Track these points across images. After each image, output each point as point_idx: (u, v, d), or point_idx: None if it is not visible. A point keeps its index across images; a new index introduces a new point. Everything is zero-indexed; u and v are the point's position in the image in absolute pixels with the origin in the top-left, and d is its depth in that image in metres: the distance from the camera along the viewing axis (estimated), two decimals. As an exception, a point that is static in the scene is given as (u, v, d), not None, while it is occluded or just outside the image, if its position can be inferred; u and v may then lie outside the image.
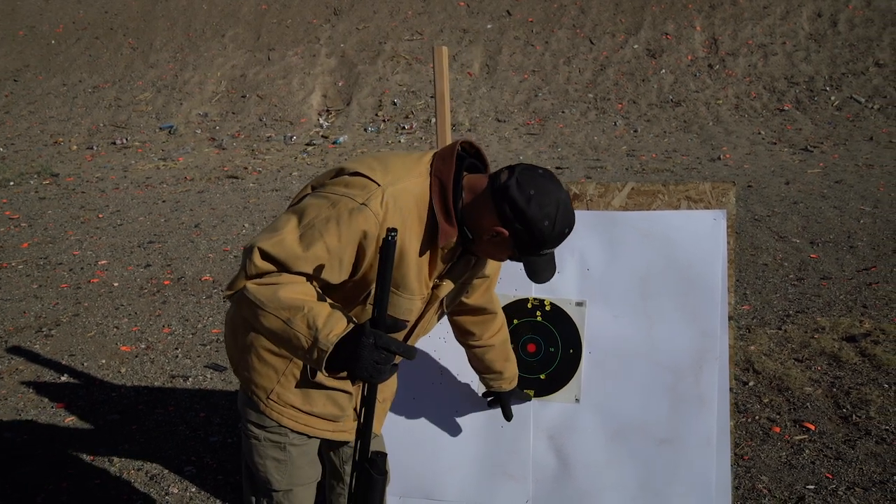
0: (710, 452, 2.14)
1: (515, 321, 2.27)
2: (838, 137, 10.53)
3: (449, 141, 2.36)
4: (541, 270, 1.62)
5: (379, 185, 1.51)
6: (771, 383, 3.43)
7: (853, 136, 10.53)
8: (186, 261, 5.95)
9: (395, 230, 1.38)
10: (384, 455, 1.53)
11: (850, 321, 4.10)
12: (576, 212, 2.27)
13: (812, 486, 2.63)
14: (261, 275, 1.49)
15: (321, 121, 12.29)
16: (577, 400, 2.23)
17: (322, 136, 11.73)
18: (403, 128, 11.77)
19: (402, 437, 2.29)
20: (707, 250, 2.17)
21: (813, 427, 3.04)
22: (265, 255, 1.49)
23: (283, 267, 1.49)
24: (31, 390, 3.70)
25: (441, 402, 2.32)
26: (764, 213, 6.86)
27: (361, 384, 1.58)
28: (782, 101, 11.91)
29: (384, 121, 12.05)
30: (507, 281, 2.29)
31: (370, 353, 1.40)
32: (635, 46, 13.20)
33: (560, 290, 2.27)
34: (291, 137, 11.68)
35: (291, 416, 1.70)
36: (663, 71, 12.66)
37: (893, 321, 4.11)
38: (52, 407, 3.52)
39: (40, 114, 13.16)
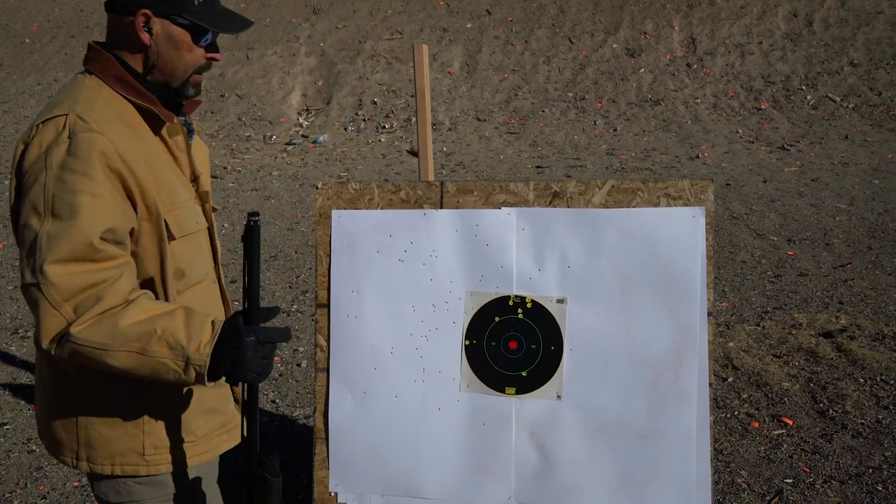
0: (691, 447, 2.16)
1: (497, 318, 2.28)
2: (814, 136, 10.66)
3: (430, 141, 2.37)
4: (217, 14, 1.42)
5: (66, 114, 1.31)
6: (750, 379, 3.47)
7: (829, 135, 10.66)
8: (165, 261, 5.90)
9: (257, 214, 1.32)
10: (276, 454, 1.40)
11: (827, 317, 4.16)
12: (556, 210, 2.28)
13: (790, 480, 2.66)
14: (77, 303, 1.23)
15: (301, 120, 12.23)
16: (559, 396, 2.24)
17: (302, 135, 11.68)
18: (384, 127, 11.75)
19: (383, 434, 2.29)
20: (686, 247, 2.19)
21: (791, 422, 3.07)
22: (63, 261, 1.23)
23: (84, 257, 1.24)
24: (6, 393, 3.65)
25: (423, 400, 2.32)
26: (742, 210, 6.93)
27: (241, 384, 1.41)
28: (759, 99, 12.04)
29: (364, 120, 12.02)
30: (489, 279, 2.29)
31: (255, 351, 1.30)
32: (614, 46, 13.28)
33: (541, 287, 2.27)
34: (271, 137, 11.62)
35: (186, 453, 1.49)
36: (642, 70, 12.74)
37: (869, 317, 4.17)
38: (29, 409, 3.48)
39: (14, 113, 12.98)
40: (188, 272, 1.45)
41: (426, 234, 2.30)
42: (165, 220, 1.37)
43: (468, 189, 2.28)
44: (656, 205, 2.22)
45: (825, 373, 3.50)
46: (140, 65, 1.41)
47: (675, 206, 2.20)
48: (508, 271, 2.27)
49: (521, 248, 2.27)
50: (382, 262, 2.27)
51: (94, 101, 1.35)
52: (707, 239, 2.18)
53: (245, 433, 1.39)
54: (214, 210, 1.61)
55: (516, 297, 2.28)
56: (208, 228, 1.55)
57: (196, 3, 1.39)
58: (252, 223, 1.29)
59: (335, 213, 2.28)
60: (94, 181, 1.27)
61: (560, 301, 2.24)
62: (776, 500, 2.54)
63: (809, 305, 4.43)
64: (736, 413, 3.17)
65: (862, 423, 3.03)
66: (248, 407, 1.37)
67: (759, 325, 4.12)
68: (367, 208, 2.29)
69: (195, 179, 1.54)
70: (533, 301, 2.26)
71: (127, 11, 1.36)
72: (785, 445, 2.90)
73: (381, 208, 2.29)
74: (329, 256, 2.26)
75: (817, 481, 2.65)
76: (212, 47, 1.46)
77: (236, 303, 4.55)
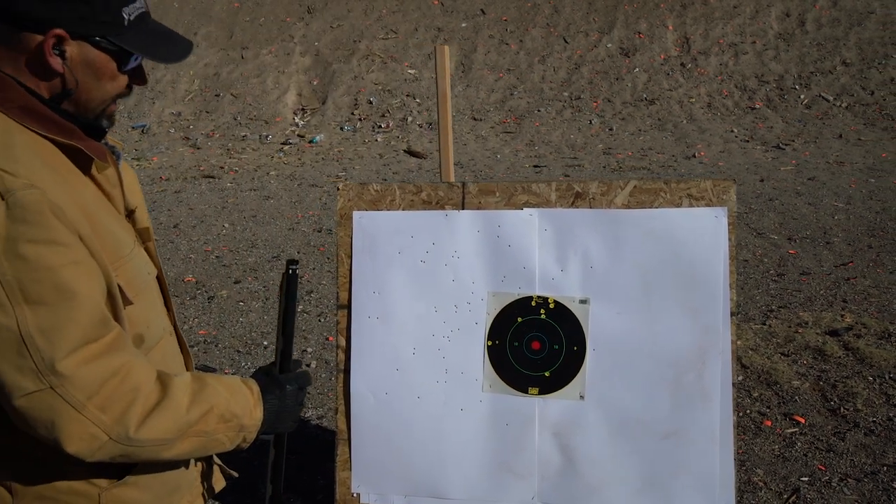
0: (714, 446, 2.17)
1: (519, 319, 2.29)
2: (809, 135, 10.72)
3: (451, 142, 2.37)
4: (153, 42, 1.18)
5: None
6: (759, 378, 3.49)
7: (823, 134, 10.73)
8: (167, 262, 5.87)
9: (295, 262, 1.25)
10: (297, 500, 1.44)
11: (832, 315, 4.19)
12: (578, 210, 2.28)
13: (806, 479, 2.68)
14: (103, 399, 1.04)
15: (297, 119, 12.20)
16: (582, 397, 2.25)
17: (298, 135, 11.65)
18: (380, 126, 11.74)
19: (405, 435, 2.30)
20: (709, 247, 2.20)
21: (803, 420, 3.10)
22: (75, 350, 1.02)
23: (96, 337, 1.05)
24: None
25: (445, 401, 2.32)
26: (741, 209, 6.97)
27: None
28: (753, 99, 12.10)
29: (360, 119, 12.01)
30: (511, 279, 2.30)
31: (295, 398, 1.29)
32: (609, 45, 13.31)
33: (564, 287, 2.28)
34: (267, 136, 11.59)
35: None
36: (637, 70, 12.78)
37: (873, 315, 4.20)
38: None
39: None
40: (147, 335, 1.23)
41: (448, 234, 2.30)
42: (119, 285, 1.13)
43: (490, 190, 2.28)
44: (679, 205, 2.23)
45: (834, 371, 3.52)
46: (45, 90, 1.12)
47: (698, 206, 2.22)
48: (531, 272, 2.28)
49: (543, 248, 2.27)
50: (404, 263, 2.27)
51: (11, 145, 1.06)
52: (730, 239, 2.19)
53: (270, 480, 1.37)
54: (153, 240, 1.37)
55: (539, 297, 2.28)
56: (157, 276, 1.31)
57: (126, 23, 1.13)
58: (291, 272, 1.27)
59: (356, 215, 2.28)
60: (67, 247, 1.03)
61: (583, 301, 2.25)
62: (793, 498, 2.55)
63: (814, 304, 4.46)
64: (748, 412, 3.19)
65: (874, 422, 3.05)
66: (277, 456, 1.38)
67: (765, 324, 4.14)
68: (388, 209, 2.29)
69: (130, 214, 1.28)
70: (556, 301, 2.27)
71: (32, 28, 1.07)
72: (799, 444, 2.92)
73: (403, 209, 2.29)
74: (350, 258, 2.26)
75: (833, 479, 2.67)
76: (138, 72, 1.20)
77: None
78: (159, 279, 1.32)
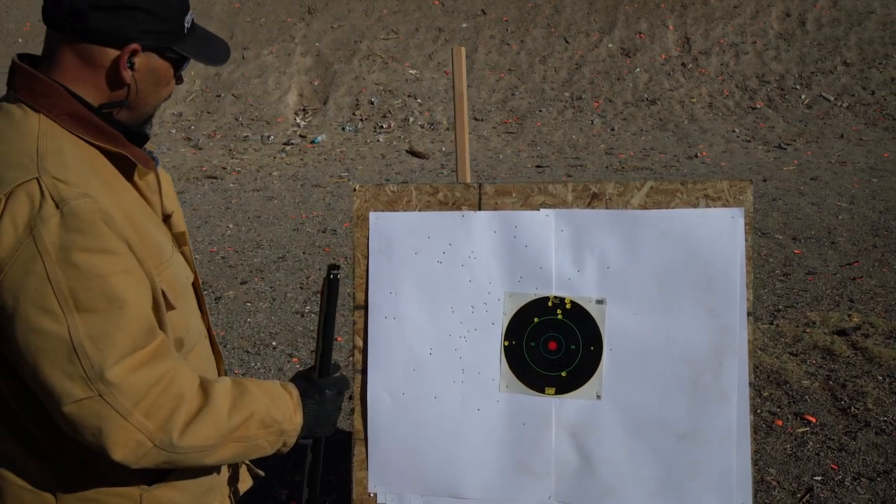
0: (731, 447, 2.18)
1: (536, 319, 2.29)
2: (810, 135, 10.73)
3: (467, 143, 2.38)
4: (204, 48, 1.24)
5: (35, 177, 1.03)
6: (769, 377, 3.50)
7: (824, 134, 10.74)
8: (172, 262, 5.87)
9: (337, 267, 1.28)
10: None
11: (839, 315, 4.20)
12: (595, 211, 2.29)
13: (819, 478, 2.69)
14: (148, 406, 1.05)
15: (298, 120, 12.21)
16: (599, 397, 2.25)
17: (300, 135, 11.66)
18: (381, 127, 11.74)
19: (422, 435, 2.30)
20: (726, 247, 2.21)
21: (814, 419, 3.10)
22: (123, 358, 1.03)
23: (143, 345, 1.06)
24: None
25: (462, 401, 2.32)
26: (744, 209, 6.97)
27: None
28: (754, 99, 12.11)
29: (362, 120, 12.01)
30: (528, 280, 2.30)
31: (333, 403, 1.31)
32: (609, 45, 13.32)
33: (580, 288, 2.29)
34: (269, 137, 11.59)
35: None
36: (638, 70, 12.79)
37: (881, 315, 4.21)
38: None
39: (8, 113, 12.88)
40: (186, 338, 1.25)
41: (465, 235, 2.31)
42: (162, 290, 1.15)
43: (506, 191, 2.29)
44: (695, 206, 2.23)
45: (843, 370, 3.53)
46: (98, 98, 1.15)
47: (714, 206, 2.22)
48: (547, 272, 2.28)
49: (559, 249, 2.28)
50: (421, 263, 2.28)
51: (62, 152, 1.07)
52: (746, 240, 2.20)
53: (307, 483, 1.41)
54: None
55: (555, 297, 2.29)
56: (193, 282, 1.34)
57: (185, 31, 1.18)
58: (333, 276, 1.28)
59: (373, 216, 2.28)
60: (118, 255, 1.05)
61: (599, 302, 2.26)
62: (807, 497, 2.56)
63: (820, 304, 4.47)
64: (759, 411, 3.20)
65: (885, 421, 3.06)
66: (315, 460, 1.40)
67: (772, 324, 4.15)
68: (404, 210, 2.30)
69: (166, 219, 1.31)
70: (572, 302, 2.27)
71: (110, 43, 1.11)
72: (810, 443, 2.93)
73: (419, 210, 2.30)
74: (367, 258, 2.26)
75: (846, 479, 2.68)
76: (180, 76, 1.27)
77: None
78: (193, 283, 1.34)
